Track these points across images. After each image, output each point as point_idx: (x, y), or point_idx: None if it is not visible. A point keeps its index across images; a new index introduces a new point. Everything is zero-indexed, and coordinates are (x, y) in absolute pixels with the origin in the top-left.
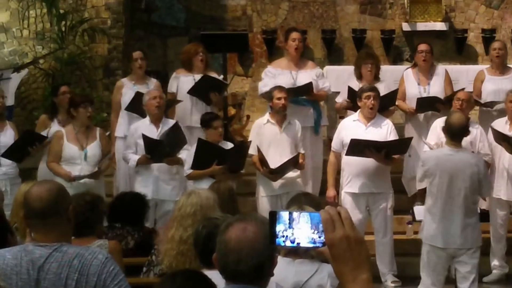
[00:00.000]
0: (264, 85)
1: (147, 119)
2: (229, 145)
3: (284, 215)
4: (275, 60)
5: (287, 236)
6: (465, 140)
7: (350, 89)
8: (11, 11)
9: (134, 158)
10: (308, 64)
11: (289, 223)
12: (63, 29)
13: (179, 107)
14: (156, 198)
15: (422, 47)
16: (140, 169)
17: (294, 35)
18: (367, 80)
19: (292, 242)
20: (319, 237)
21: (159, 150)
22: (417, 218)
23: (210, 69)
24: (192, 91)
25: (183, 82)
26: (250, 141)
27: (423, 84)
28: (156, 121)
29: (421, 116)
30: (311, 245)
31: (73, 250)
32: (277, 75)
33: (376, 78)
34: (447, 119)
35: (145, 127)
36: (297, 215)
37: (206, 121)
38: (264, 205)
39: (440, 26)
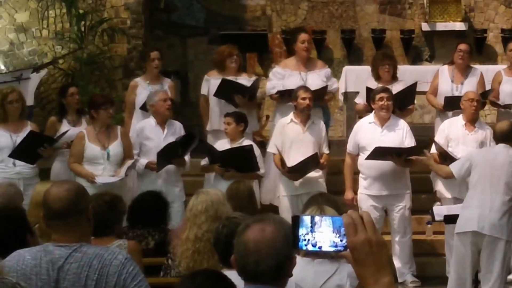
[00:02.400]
0: (272, 87)
1: (152, 120)
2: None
3: (306, 219)
4: (283, 60)
5: (309, 240)
6: (476, 141)
7: (368, 90)
8: (30, 11)
9: (142, 162)
10: (317, 64)
11: (311, 227)
12: (83, 29)
13: (210, 111)
14: None
15: (462, 46)
16: (148, 170)
17: (303, 36)
18: (385, 81)
19: (314, 245)
20: (341, 240)
21: (171, 154)
22: (437, 218)
23: (243, 71)
24: (217, 94)
25: (213, 85)
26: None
27: (457, 82)
28: (162, 123)
29: (450, 113)
30: (333, 249)
31: (93, 251)
32: (286, 76)
33: (394, 78)
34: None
35: (151, 128)
36: (319, 219)
37: None
38: (284, 204)
39: (459, 26)
